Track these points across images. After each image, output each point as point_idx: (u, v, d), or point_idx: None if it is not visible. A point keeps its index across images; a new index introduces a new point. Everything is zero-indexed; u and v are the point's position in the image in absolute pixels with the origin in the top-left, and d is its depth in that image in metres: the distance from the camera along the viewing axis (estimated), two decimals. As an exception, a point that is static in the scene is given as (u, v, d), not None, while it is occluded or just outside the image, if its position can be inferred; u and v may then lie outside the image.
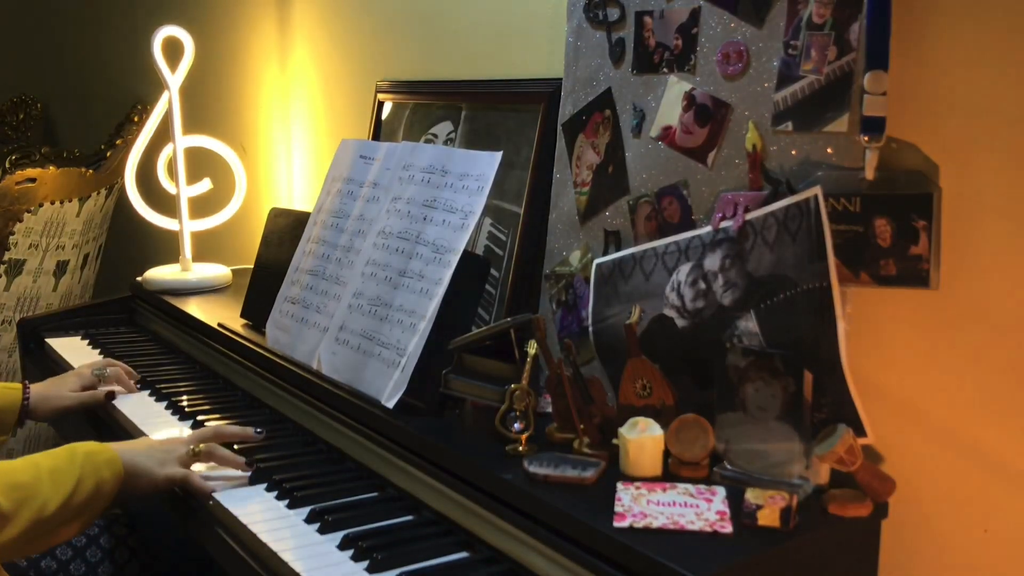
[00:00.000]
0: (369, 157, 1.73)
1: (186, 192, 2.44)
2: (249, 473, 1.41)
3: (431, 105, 1.95)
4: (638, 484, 1.16)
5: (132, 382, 1.85)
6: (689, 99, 1.35)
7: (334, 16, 2.40)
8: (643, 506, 1.10)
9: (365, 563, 1.17)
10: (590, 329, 1.43)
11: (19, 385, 1.73)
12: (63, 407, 1.75)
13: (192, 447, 1.40)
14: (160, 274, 2.38)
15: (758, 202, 1.26)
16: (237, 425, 1.52)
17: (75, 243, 3.13)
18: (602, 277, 1.42)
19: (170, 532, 1.49)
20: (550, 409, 1.34)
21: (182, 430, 1.63)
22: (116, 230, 3.48)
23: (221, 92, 2.92)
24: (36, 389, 1.75)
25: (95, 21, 3.88)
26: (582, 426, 1.27)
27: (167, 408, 1.75)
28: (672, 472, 1.20)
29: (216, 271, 2.42)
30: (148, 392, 1.84)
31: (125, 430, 1.69)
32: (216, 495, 1.36)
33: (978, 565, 1.17)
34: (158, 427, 1.64)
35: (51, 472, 1.27)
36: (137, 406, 1.76)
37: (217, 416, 1.68)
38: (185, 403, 1.76)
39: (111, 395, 1.78)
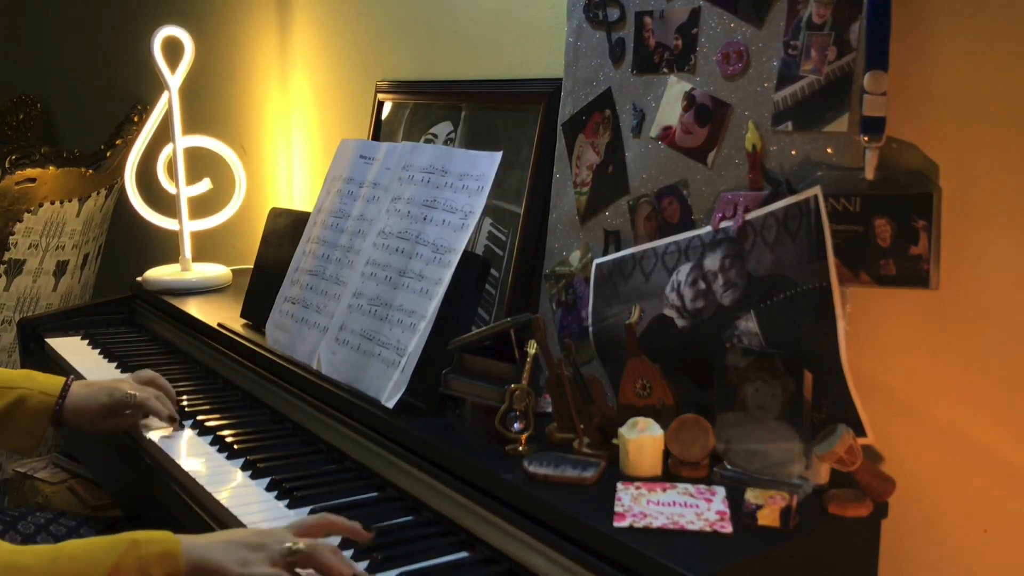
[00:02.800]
0: (369, 157, 1.73)
1: (186, 192, 2.44)
2: None
3: (431, 105, 1.95)
4: (638, 484, 1.16)
5: (166, 413, 1.64)
6: (689, 99, 1.35)
7: (334, 16, 2.40)
8: (643, 506, 1.10)
9: (365, 563, 1.17)
10: (590, 329, 1.43)
11: (59, 384, 1.59)
12: (95, 429, 1.62)
13: (290, 544, 1.11)
14: (160, 274, 2.37)
15: (758, 202, 1.26)
16: (342, 517, 1.20)
17: (75, 243, 3.13)
18: (602, 277, 1.42)
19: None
20: (550, 409, 1.34)
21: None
22: (116, 230, 3.48)
23: (221, 92, 2.93)
24: (74, 395, 1.59)
25: (95, 21, 3.88)
26: (582, 426, 1.27)
27: (167, 408, 1.75)
28: (672, 472, 1.20)
29: (216, 271, 2.42)
30: (148, 392, 1.84)
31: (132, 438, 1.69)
32: (216, 494, 1.36)
33: (978, 565, 1.17)
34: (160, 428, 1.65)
35: (69, 558, 1.05)
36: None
37: (217, 416, 1.68)
38: (185, 403, 1.75)
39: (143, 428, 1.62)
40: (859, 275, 1.20)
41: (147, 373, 1.72)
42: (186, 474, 1.44)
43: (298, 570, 1.11)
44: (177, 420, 1.64)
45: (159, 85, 2.39)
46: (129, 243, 3.56)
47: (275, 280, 1.83)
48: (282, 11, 2.61)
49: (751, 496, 1.09)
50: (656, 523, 1.06)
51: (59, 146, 4.08)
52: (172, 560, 1.07)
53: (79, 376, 1.96)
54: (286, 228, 1.95)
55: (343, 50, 2.38)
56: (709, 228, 1.30)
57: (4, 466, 2.98)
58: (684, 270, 1.32)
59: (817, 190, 1.19)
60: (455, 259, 1.45)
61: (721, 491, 1.14)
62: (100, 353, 2.11)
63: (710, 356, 1.23)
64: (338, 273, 1.66)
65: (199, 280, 2.35)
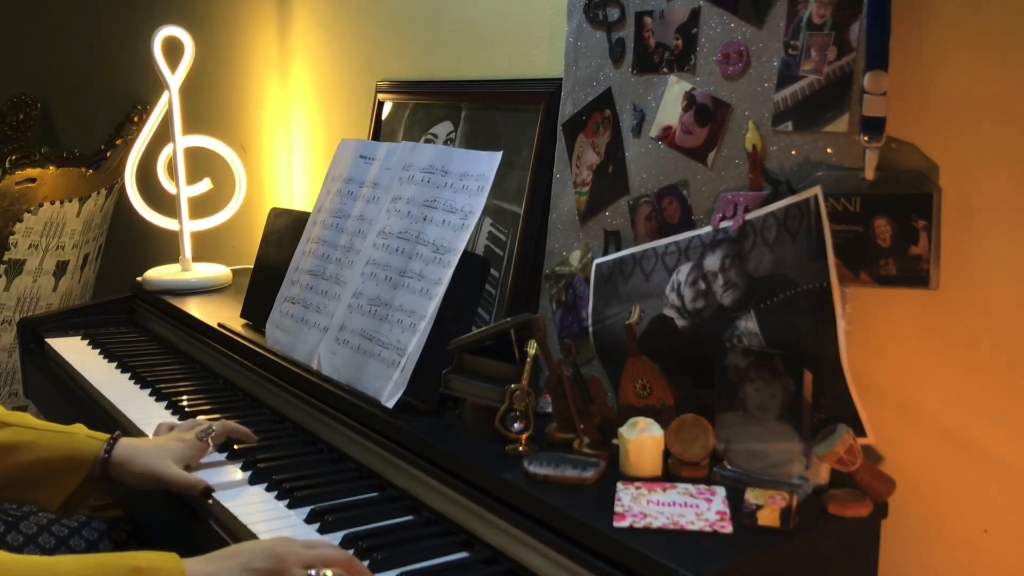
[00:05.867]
0: (369, 157, 1.74)
1: (186, 192, 2.44)
2: None
3: (431, 105, 1.95)
4: (638, 484, 1.16)
5: (250, 432, 1.53)
6: (689, 99, 1.35)
7: (334, 16, 2.40)
8: (643, 506, 1.10)
9: (365, 563, 1.17)
10: (590, 329, 1.43)
11: (105, 436, 1.40)
12: (158, 478, 1.36)
13: (315, 572, 1.05)
14: (160, 274, 2.38)
15: (758, 202, 1.26)
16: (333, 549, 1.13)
17: (75, 243, 3.13)
18: (602, 277, 1.42)
19: (170, 536, 1.48)
20: (550, 409, 1.34)
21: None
22: (116, 230, 3.48)
23: (221, 92, 2.93)
24: (126, 442, 1.39)
25: (95, 21, 3.89)
26: (582, 426, 1.27)
27: (167, 408, 1.75)
28: (672, 472, 1.21)
29: (216, 271, 2.42)
30: (148, 392, 1.84)
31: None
32: (215, 494, 1.36)
33: (978, 565, 1.17)
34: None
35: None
36: (139, 409, 1.76)
37: (217, 416, 1.68)
38: (185, 403, 1.76)
39: (208, 491, 1.37)
40: (859, 275, 1.20)
41: (183, 423, 1.55)
42: (186, 474, 1.44)
43: None
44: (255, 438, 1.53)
45: (159, 85, 2.39)
46: (129, 243, 3.56)
47: (275, 280, 1.83)
48: (282, 11, 2.61)
49: (751, 496, 1.09)
50: (656, 523, 1.06)
51: (59, 146, 4.09)
52: None
53: (76, 382, 1.96)
54: (286, 228, 1.95)
55: (343, 50, 2.38)
56: (709, 228, 1.30)
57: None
58: (684, 270, 1.32)
59: (817, 190, 1.19)
60: (455, 259, 1.45)
61: (721, 491, 1.14)
62: (100, 353, 2.12)
63: (710, 356, 1.23)
64: (338, 273, 1.66)
65: (199, 280, 2.36)
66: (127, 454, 1.37)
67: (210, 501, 1.35)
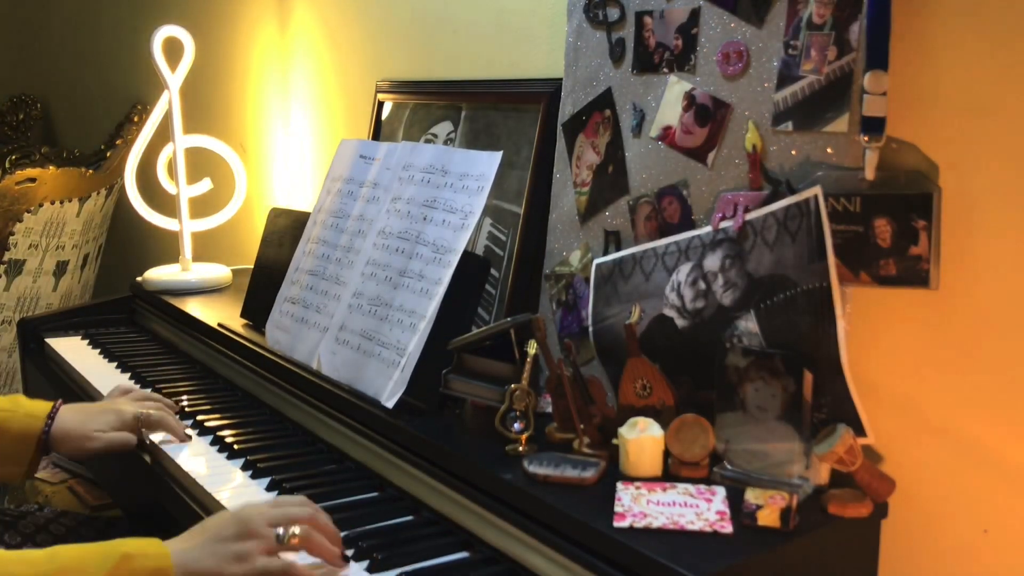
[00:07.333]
0: (369, 157, 1.74)
1: (186, 192, 2.44)
2: (344, 571, 1.14)
3: (431, 105, 1.95)
4: (638, 484, 1.16)
5: (182, 431, 1.57)
6: (689, 99, 1.35)
7: (334, 16, 2.40)
8: (643, 506, 1.10)
9: (365, 563, 1.17)
10: (590, 329, 1.43)
11: (47, 408, 1.50)
12: (89, 450, 1.50)
13: (283, 531, 1.10)
14: (160, 274, 2.38)
15: (758, 202, 1.26)
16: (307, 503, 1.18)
17: (75, 243, 3.13)
18: (602, 277, 1.42)
19: (171, 536, 1.48)
20: (550, 409, 1.34)
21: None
22: (116, 230, 3.48)
23: (221, 92, 2.93)
24: (64, 418, 1.50)
25: (95, 21, 3.88)
26: (582, 426, 1.27)
27: (167, 408, 1.75)
28: (672, 472, 1.21)
29: (216, 271, 2.42)
30: (148, 392, 1.83)
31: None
32: (216, 494, 1.36)
33: (978, 565, 1.17)
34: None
35: (59, 570, 1.04)
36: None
37: (217, 416, 1.68)
38: (185, 403, 1.75)
39: (141, 444, 1.53)
40: (859, 275, 1.20)
41: (138, 391, 1.68)
42: (186, 474, 1.44)
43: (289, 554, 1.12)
44: (189, 437, 1.57)
45: (159, 85, 2.39)
46: (129, 243, 3.56)
47: (275, 280, 1.83)
48: (282, 11, 2.61)
49: (751, 496, 1.09)
50: (656, 523, 1.06)
51: (59, 146, 4.08)
52: (164, 573, 1.07)
53: (76, 382, 1.96)
54: (286, 228, 1.95)
55: (343, 50, 2.38)
56: (709, 228, 1.30)
57: (4, 466, 2.98)
58: (684, 270, 1.32)
59: (817, 190, 1.19)
60: (455, 259, 1.45)
61: (721, 491, 1.14)
62: (100, 353, 2.11)
63: (710, 356, 1.23)
64: (338, 273, 1.66)
65: (199, 280, 2.36)
66: (59, 434, 1.49)
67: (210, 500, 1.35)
